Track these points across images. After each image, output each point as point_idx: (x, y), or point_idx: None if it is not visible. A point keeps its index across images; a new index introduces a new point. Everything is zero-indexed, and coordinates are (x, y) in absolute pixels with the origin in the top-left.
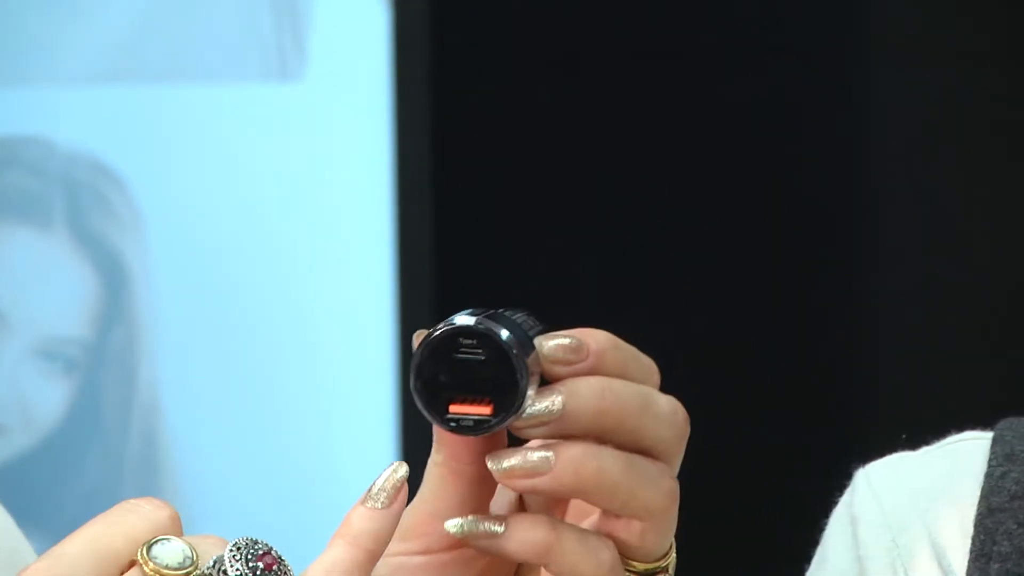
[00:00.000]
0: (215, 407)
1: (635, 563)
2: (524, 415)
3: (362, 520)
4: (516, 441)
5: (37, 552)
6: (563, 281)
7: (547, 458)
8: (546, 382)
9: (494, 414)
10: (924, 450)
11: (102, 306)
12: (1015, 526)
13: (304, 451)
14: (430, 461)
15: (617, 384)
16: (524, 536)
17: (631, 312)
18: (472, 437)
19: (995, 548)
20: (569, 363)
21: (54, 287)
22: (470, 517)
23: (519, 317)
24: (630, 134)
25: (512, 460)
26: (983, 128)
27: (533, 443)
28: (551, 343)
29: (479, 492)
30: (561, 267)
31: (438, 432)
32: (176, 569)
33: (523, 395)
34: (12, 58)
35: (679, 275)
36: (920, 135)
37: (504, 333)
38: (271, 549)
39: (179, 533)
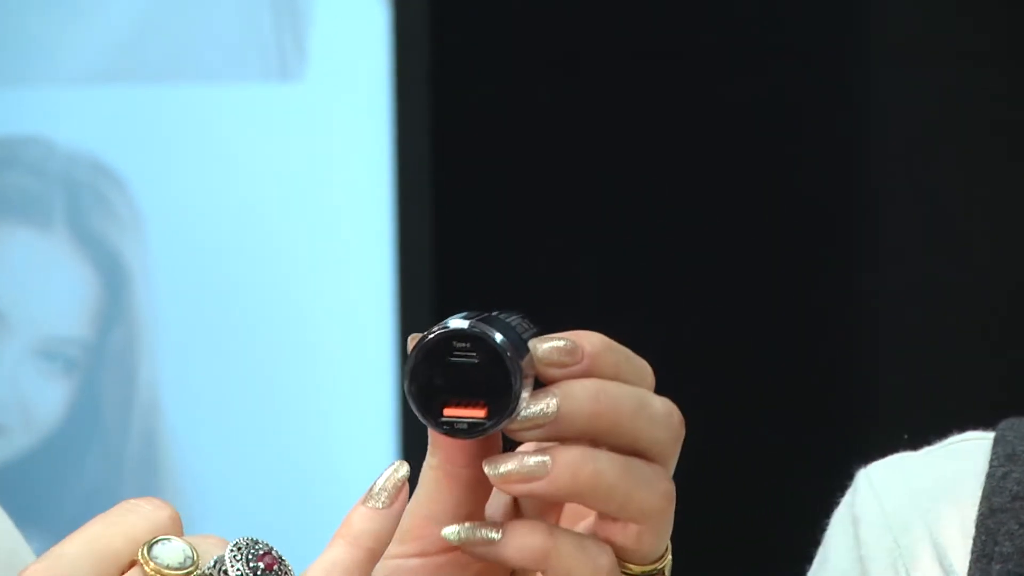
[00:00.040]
0: (215, 407)
1: (631, 566)
2: (519, 418)
3: (363, 520)
4: (511, 444)
5: (36, 553)
6: (563, 281)
7: (544, 462)
8: (541, 385)
9: (488, 417)
10: (926, 450)
11: (102, 306)
12: (1017, 526)
13: (304, 451)
14: (425, 464)
15: (612, 386)
16: (521, 542)
17: (631, 312)
18: (467, 440)
19: (997, 548)
20: (563, 366)
21: (54, 287)
22: (467, 524)
23: (513, 320)
24: (630, 134)
25: (509, 465)
26: (983, 128)
27: (527, 446)
28: (545, 346)
29: (475, 495)
30: (561, 267)
31: (433, 435)
32: (177, 569)
33: (517, 398)
34: (12, 58)
35: (679, 275)
36: (920, 135)
37: (498, 336)
38: (271, 549)
39: (179, 533)
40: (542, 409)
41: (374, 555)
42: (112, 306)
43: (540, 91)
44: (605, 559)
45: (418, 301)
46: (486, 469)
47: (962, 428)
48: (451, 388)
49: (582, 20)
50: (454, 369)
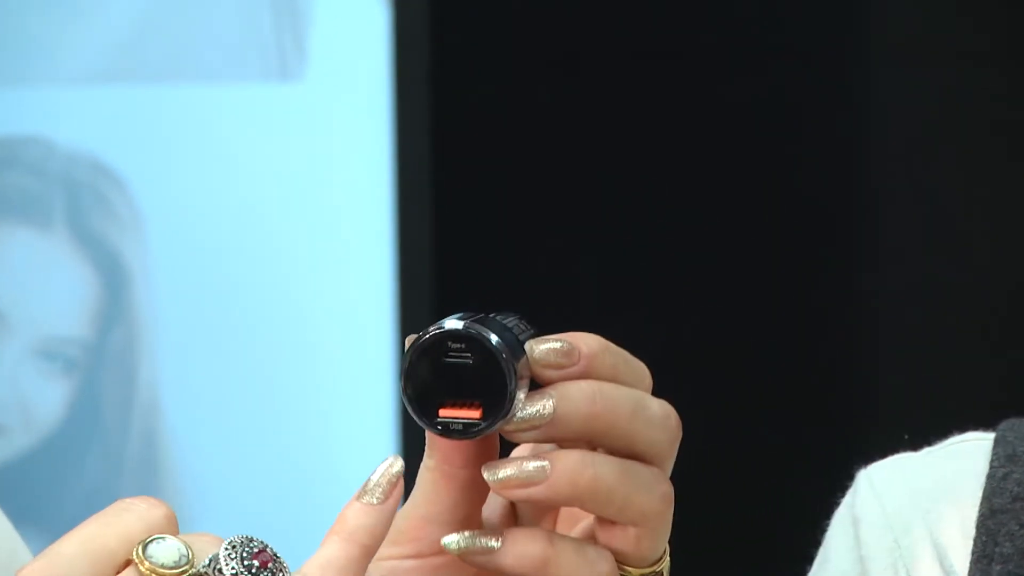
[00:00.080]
0: (215, 407)
1: (630, 569)
2: (515, 419)
3: (357, 516)
4: (508, 445)
5: (35, 554)
6: (563, 281)
7: (543, 467)
8: (537, 386)
9: (483, 418)
10: (926, 451)
11: (102, 306)
12: (1017, 527)
13: (304, 451)
14: (422, 465)
15: (608, 388)
16: (521, 550)
17: (631, 312)
18: (463, 441)
19: (997, 549)
20: (560, 367)
21: (54, 287)
22: (466, 533)
23: (510, 321)
24: (630, 134)
25: (508, 470)
26: (983, 128)
27: (522, 449)
28: (542, 347)
29: (471, 496)
30: (561, 267)
31: (430, 436)
32: (172, 568)
33: (512, 399)
34: (12, 58)
35: (679, 275)
36: (920, 135)
37: (493, 337)
38: (266, 547)
39: (175, 532)
40: (538, 411)
41: (369, 551)
42: (112, 306)
43: (540, 91)
44: (605, 565)
45: (418, 301)
46: (485, 474)
47: (962, 428)
48: (446, 389)
49: (582, 20)
50: (449, 370)
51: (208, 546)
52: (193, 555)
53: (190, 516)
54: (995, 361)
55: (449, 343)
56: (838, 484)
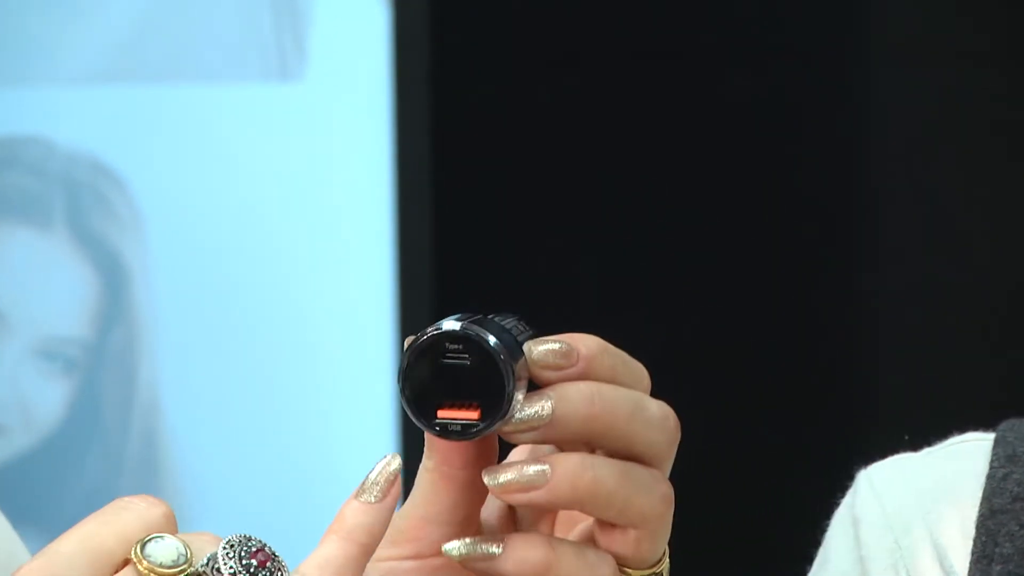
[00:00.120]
0: (215, 407)
1: (630, 571)
2: (513, 420)
3: (355, 515)
4: (506, 446)
5: (33, 554)
6: (563, 281)
7: (543, 471)
8: (536, 387)
9: (482, 419)
10: (926, 451)
11: (102, 306)
12: (1017, 528)
13: (304, 451)
14: (421, 466)
15: (607, 389)
16: (522, 556)
17: (631, 312)
18: (461, 442)
19: (997, 550)
20: (559, 368)
21: (54, 287)
22: (467, 540)
23: (508, 322)
24: (630, 134)
25: (508, 475)
26: (983, 128)
27: (520, 451)
28: (540, 348)
29: (471, 497)
30: (561, 267)
31: (429, 437)
32: (170, 567)
33: (510, 400)
34: (12, 58)
35: (679, 275)
36: (920, 135)
37: (491, 338)
38: (264, 545)
39: (173, 531)
40: (537, 412)
41: (367, 550)
42: (112, 306)
43: (540, 91)
44: (606, 568)
45: (418, 301)
46: (486, 479)
47: (962, 428)
48: (445, 389)
49: (582, 20)
50: (447, 371)
51: (207, 545)
52: (191, 554)
53: (190, 516)
54: (995, 361)
55: (447, 344)
56: (838, 484)
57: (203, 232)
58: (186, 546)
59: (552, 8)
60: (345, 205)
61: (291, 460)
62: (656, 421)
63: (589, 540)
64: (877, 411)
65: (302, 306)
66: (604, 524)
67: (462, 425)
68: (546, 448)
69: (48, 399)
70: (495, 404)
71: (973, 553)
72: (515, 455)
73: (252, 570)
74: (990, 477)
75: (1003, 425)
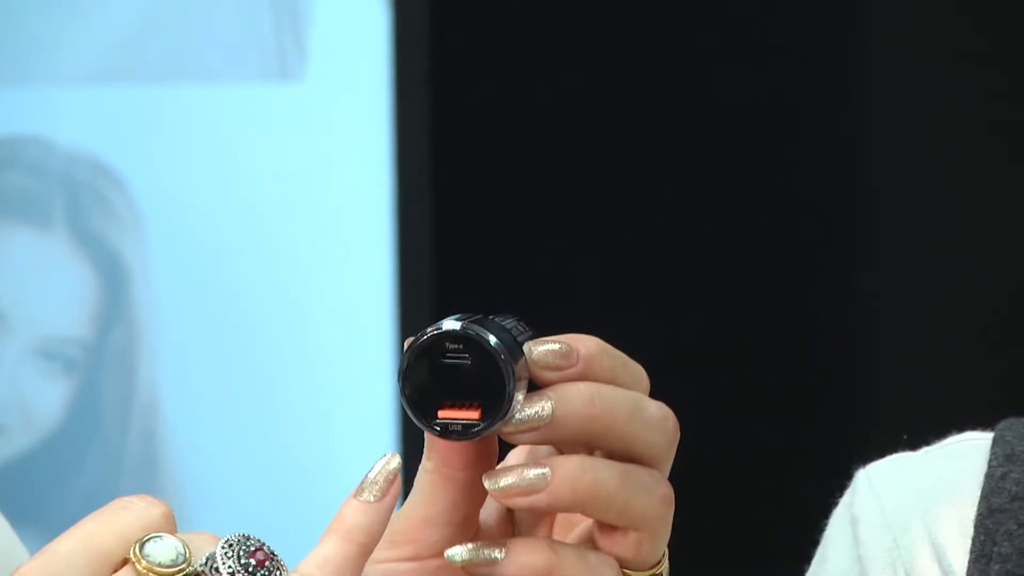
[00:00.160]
0: (215, 407)
1: (630, 572)
2: (513, 421)
3: (354, 514)
4: (506, 447)
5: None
6: (563, 281)
7: (543, 475)
8: (535, 388)
9: (482, 419)
10: (924, 450)
11: (102, 306)
12: (1015, 527)
13: (304, 451)
14: (420, 468)
15: (607, 390)
16: (525, 560)
17: (631, 312)
18: (463, 442)
19: (995, 549)
20: (559, 368)
21: (54, 287)
22: (470, 545)
23: (508, 322)
24: (630, 134)
25: (508, 479)
26: (983, 128)
27: (518, 452)
28: (540, 348)
29: (470, 498)
30: (561, 267)
31: (428, 438)
32: (168, 567)
33: (511, 400)
34: (12, 58)
35: (679, 275)
36: (920, 135)
37: (491, 338)
38: (263, 545)
39: (173, 530)
40: (537, 412)
41: (366, 549)
42: (112, 306)
43: (540, 91)
44: (608, 571)
45: (418, 301)
46: (486, 484)
47: (962, 428)
48: (445, 390)
49: (582, 20)
50: (447, 371)
51: (206, 544)
52: (190, 554)
53: (190, 516)
54: (995, 361)
55: (447, 344)
56: (838, 484)
57: (203, 232)
58: (185, 546)
59: (552, 8)
60: (345, 205)
61: (291, 460)
62: (655, 422)
63: (589, 542)
64: (877, 411)
65: (302, 306)
66: (604, 526)
67: (463, 425)
68: (544, 449)
69: (48, 399)
70: (496, 404)
71: (971, 552)
72: (513, 456)
73: (251, 569)
74: (988, 476)
75: (1001, 424)
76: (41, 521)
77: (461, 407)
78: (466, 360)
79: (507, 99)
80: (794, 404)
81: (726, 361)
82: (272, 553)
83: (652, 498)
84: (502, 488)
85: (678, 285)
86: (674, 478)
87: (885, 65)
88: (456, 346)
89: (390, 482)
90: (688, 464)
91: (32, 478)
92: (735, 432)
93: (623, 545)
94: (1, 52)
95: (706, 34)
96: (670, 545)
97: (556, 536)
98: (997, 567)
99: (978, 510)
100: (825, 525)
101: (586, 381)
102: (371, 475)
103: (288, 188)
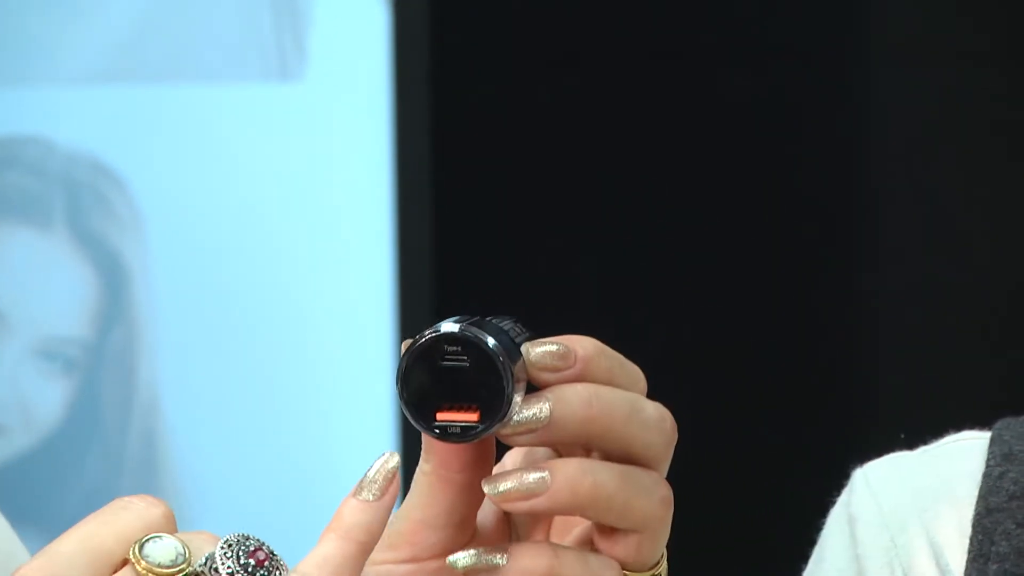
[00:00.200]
0: (215, 407)
1: (629, 573)
2: (512, 422)
3: (354, 513)
4: (503, 448)
5: (33, 553)
6: (563, 281)
7: (543, 479)
8: (533, 389)
9: (481, 420)
10: (922, 450)
11: (102, 306)
12: (1013, 526)
13: (304, 451)
14: (418, 470)
15: (604, 391)
16: (526, 565)
17: (631, 312)
18: (460, 444)
19: (993, 548)
20: (556, 370)
21: (54, 287)
22: (471, 551)
23: (506, 324)
24: (630, 134)
25: (508, 483)
26: (983, 128)
27: (515, 454)
28: (538, 350)
29: (468, 500)
30: (561, 267)
31: (427, 440)
32: (168, 567)
33: (510, 401)
34: (12, 58)
35: (679, 275)
36: (920, 135)
37: (490, 340)
38: (263, 545)
39: (173, 530)
40: (535, 414)
41: (366, 548)
42: (112, 306)
43: (540, 91)
44: (609, 573)
45: (418, 301)
46: (486, 488)
47: (962, 428)
48: (443, 392)
49: (582, 20)
50: (446, 373)
51: (205, 545)
52: (190, 554)
53: (190, 516)
54: (995, 361)
55: (445, 346)
56: (838, 484)
57: (203, 232)
58: (185, 546)
59: (552, 8)
60: (345, 205)
61: (291, 460)
62: (653, 423)
63: (588, 543)
64: (877, 411)
65: (302, 306)
66: (603, 528)
67: (461, 427)
68: (542, 451)
69: (48, 399)
70: (495, 406)
71: (969, 552)
72: (510, 458)
73: (250, 569)
74: (986, 476)
75: (999, 424)
76: (41, 521)
77: (460, 409)
78: (464, 362)
79: (507, 99)
80: (794, 404)
81: (726, 361)
82: (272, 553)
83: (652, 499)
84: (502, 493)
85: (678, 285)
86: (674, 478)
87: (885, 65)
88: (454, 348)
89: (389, 481)
90: (688, 464)
91: (32, 478)
92: (735, 432)
93: (623, 547)
94: (1, 52)
95: (706, 34)
96: (670, 544)
97: (554, 537)
98: (995, 566)
99: (976, 509)
100: (822, 524)
101: (584, 382)
102: (370, 474)
103: (288, 188)
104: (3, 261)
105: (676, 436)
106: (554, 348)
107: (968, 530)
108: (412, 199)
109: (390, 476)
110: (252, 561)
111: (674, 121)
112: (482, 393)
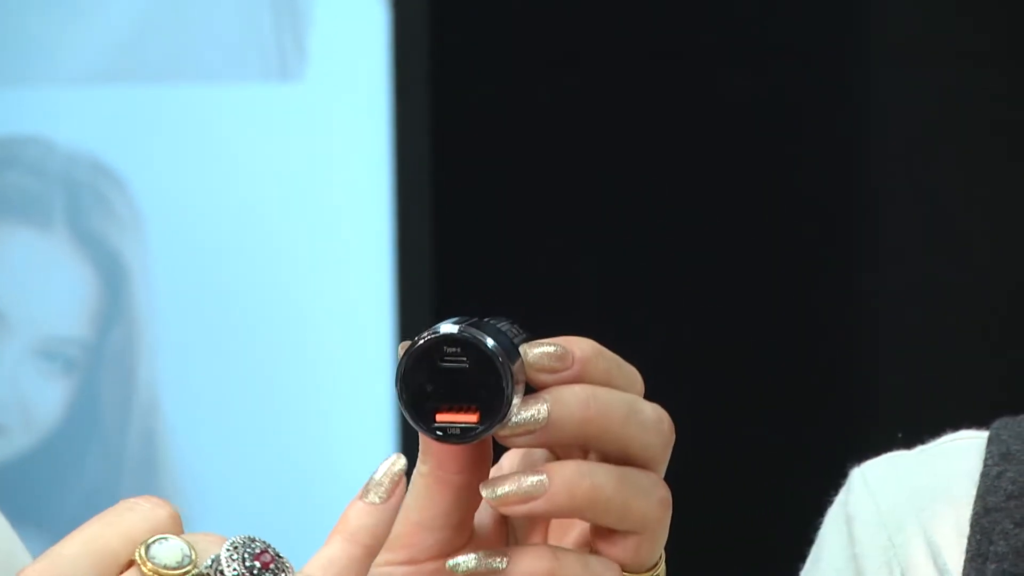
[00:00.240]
0: (215, 407)
1: (628, 575)
2: (510, 424)
3: (359, 516)
4: (500, 450)
5: (34, 554)
6: (563, 281)
7: (541, 482)
8: (531, 390)
9: (480, 422)
10: (919, 449)
11: (102, 306)
12: (1011, 526)
13: (304, 451)
14: (415, 472)
15: (602, 392)
16: (527, 568)
17: (631, 312)
18: (458, 446)
19: (991, 548)
20: (554, 371)
21: (54, 287)
22: (472, 555)
23: (503, 325)
24: (630, 134)
25: (506, 487)
26: (983, 128)
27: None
28: (536, 351)
29: (465, 501)
30: (561, 267)
31: (424, 442)
32: (174, 569)
33: (509, 402)
34: (12, 58)
35: (679, 275)
36: (920, 135)
37: (489, 341)
38: (268, 547)
39: (179, 531)
40: (533, 415)
41: (371, 551)
42: (112, 306)
43: (540, 91)
44: (610, 575)
45: (418, 301)
46: (484, 493)
47: (962, 428)
48: (443, 393)
49: (582, 20)
50: (445, 374)
51: (211, 546)
52: (196, 555)
53: (190, 516)
54: (995, 361)
55: (445, 347)
56: (837, 484)
57: (203, 232)
58: (191, 547)
59: (552, 8)
60: (345, 205)
61: (291, 460)
62: (651, 424)
63: (587, 544)
64: (877, 411)
65: (302, 306)
66: (602, 529)
67: (461, 428)
68: (539, 452)
69: (48, 399)
70: (494, 407)
71: (967, 551)
72: (507, 460)
73: (256, 572)
74: (984, 475)
75: (997, 423)
76: (41, 521)
77: (459, 410)
78: (464, 363)
79: (507, 99)
80: (794, 404)
81: (726, 361)
82: (277, 555)
83: (650, 501)
84: (499, 497)
85: (678, 285)
86: (673, 478)
87: (885, 65)
88: (454, 349)
89: (395, 483)
90: (688, 464)
91: (32, 478)
92: (735, 432)
93: (621, 548)
94: (1, 52)
95: (706, 34)
96: (669, 544)
97: (552, 538)
98: (993, 566)
99: (974, 509)
100: (820, 523)
101: (581, 383)
102: (376, 476)
103: (288, 188)
104: (3, 261)
105: (674, 437)
106: (552, 349)
107: (966, 530)
108: (412, 199)
109: (396, 479)
110: (258, 563)
111: (674, 121)
112: (481, 394)
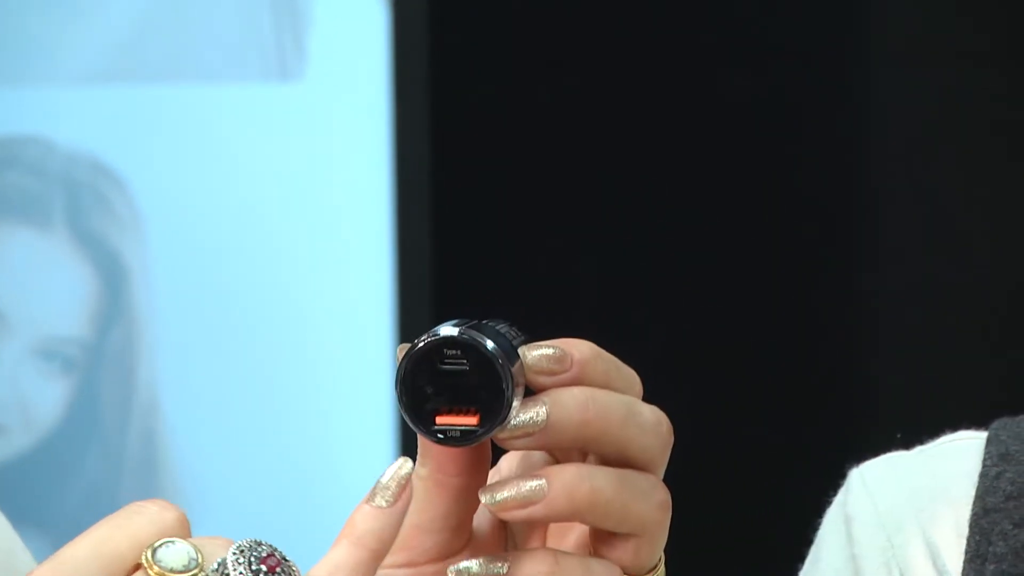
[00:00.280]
0: (215, 407)
1: None
2: (509, 426)
3: (366, 520)
4: (499, 452)
5: (34, 553)
6: (563, 281)
7: (540, 486)
8: (530, 393)
9: (480, 424)
10: (918, 449)
11: (101, 306)
12: (1010, 526)
13: (304, 451)
14: (414, 474)
15: (601, 394)
16: (528, 572)
17: (631, 312)
18: (457, 449)
19: (990, 549)
20: (553, 373)
21: (54, 287)
22: (474, 560)
23: (502, 327)
24: (630, 134)
25: (505, 492)
26: (983, 128)
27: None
28: (535, 353)
29: (464, 504)
30: (561, 267)
31: (423, 445)
32: (180, 572)
33: (509, 404)
34: (12, 58)
35: (679, 275)
36: (920, 135)
37: (489, 343)
38: (275, 550)
39: (186, 535)
40: (532, 417)
41: (377, 555)
42: (111, 306)
43: (540, 91)
44: None
45: (418, 301)
46: (483, 498)
47: (961, 428)
48: (442, 396)
49: (582, 20)
50: (445, 377)
51: (218, 549)
52: (203, 559)
53: (190, 516)
54: (995, 361)
55: (444, 350)
56: (837, 484)
57: (203, 232)
58: (197, 551)
59: (552, 8)
60: (345, 205)
61: (291, 460)
62: (650, 426)
63: (587, 547)
64: (876, 411)
65: (302, 306)
66: (601, 532)
67: (461, 431)
68: (538, 455)
69: (47, 399)
70: (494, 409)
71: (967, 552)
72: (506, 462)
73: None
74: (983, 476)
75: (995, 423)
76: (41, 521)
77: (459, 413)
78: (464, 366)
79: (507, 99)
80: (794, 404)
81: (726, 361)
82: (284, 558)
83: (650, 503)
84: (499, 502)
85: (678, 285)
86: (673, 478)
87: (885, 65)
88: (454, 352)
89: (402, 487)
90: (688, 464)
91: (32, 478)
92: (735, 432)
93: (621, 551)
94: (1, 52)
95: (706, 34)
96: (669, 544)
97: (551, 540)
98: (992, 567)
99: (973, 510)
100: (819, 523)
101: (580, 386)
102: (383, 480)
103: (288, 188)
104: (3, 261)
105: (672, 439)
106: (550, 352)
107: (965, 530)
108: (412, 199)
109: (403, 482)
110: (264, 567)
111: (674, 121)
112: (482, 396)
